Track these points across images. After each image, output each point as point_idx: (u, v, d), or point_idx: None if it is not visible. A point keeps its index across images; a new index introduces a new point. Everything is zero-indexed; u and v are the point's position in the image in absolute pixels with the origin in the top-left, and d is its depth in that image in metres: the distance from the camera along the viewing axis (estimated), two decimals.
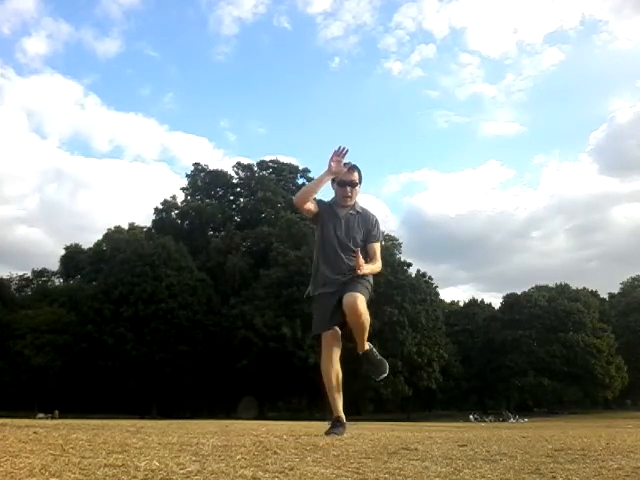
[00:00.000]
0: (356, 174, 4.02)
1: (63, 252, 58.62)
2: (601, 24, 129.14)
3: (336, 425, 3.82)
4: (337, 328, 3.92)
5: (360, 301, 3.73)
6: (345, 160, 3.96)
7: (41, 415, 30.42)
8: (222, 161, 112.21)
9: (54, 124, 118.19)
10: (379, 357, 4.12)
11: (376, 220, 4.11)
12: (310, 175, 57.69)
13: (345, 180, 3.98)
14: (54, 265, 60.34)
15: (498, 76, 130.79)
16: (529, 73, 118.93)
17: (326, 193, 4.17)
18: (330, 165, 3.89)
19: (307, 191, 4.09)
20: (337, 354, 3.92)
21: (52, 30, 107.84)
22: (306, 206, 4.00)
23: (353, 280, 3.87)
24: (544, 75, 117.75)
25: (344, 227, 3.99)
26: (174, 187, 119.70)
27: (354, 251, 3.89)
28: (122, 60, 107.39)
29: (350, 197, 4.00)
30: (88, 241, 76.84)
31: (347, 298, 3.75)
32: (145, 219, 78.95)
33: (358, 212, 4.06)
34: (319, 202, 4.05)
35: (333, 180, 4.01)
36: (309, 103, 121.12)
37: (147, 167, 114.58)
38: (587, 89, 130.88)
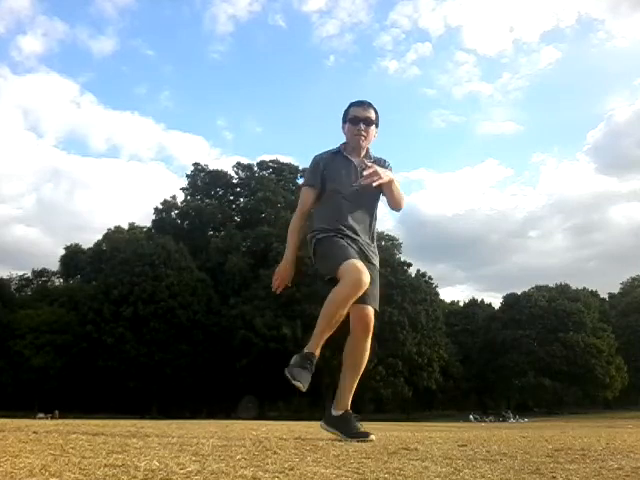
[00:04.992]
0: (372, 112, 3.32)
1: (61, 251, 58.89)
2: (597, 23, 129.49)
3: (304, 363, 2.93)
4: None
5: (372, 321, 3.19)
6: None
7: (41, 415, 30.42)
8: (219, 160, 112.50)
9: (50, 123, 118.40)
10: (357, 426, 3.14)
11: (390, 166, 3.38)
12: None
13: (359, 116, 3.28)
14: (51, 264, 60.58)
15: (495, 75, 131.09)
16: (526, 72, 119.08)
17: (330, 142, 3.51)
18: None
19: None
20: (356, 298, 2.99)
21: (47, 28, 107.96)
22: (308, 211, 3.36)
23: (372, 270, 3.13)
24: (541, 74, 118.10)
25: (359, 174, 3.22)
26: (171, 186, 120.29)
27: (367, 204, 3.26)
28: (117, 58, 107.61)
29: (364, 137, 3.29)
30: (85, 240, 77.04)
31: (364, 309, 3.14)
32: (143, 218, 79.15)
33: (373, 160, 3.34)
34: (315, 163, 3.34)
35: (345, 120, 3.35)
36: (305, 101, 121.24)
37: (144, 166, 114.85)
38: (584, 88, 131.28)
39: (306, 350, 2.99)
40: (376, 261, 3.31)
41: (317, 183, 3.30)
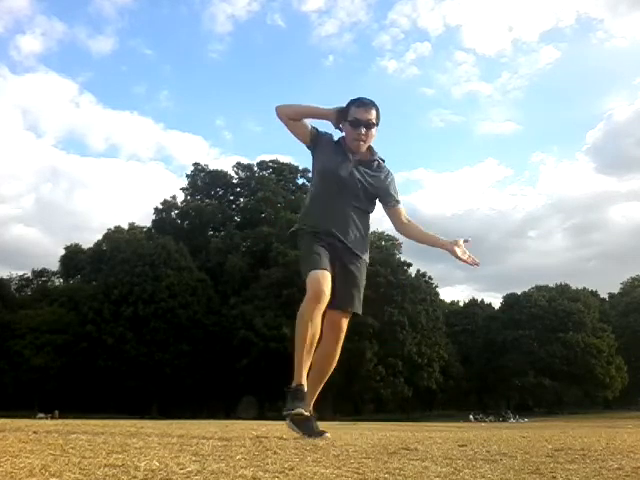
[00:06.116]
0: (374, 112, 3.08)
1: (61, 251, 58.83)
2: (596, 22, 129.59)
3: (297, 397, 2.92)
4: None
5: (344, 326, 3.10)
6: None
7: (41, 415, 30.41)
8: (219, 160, 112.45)
9: (49, 122, 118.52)
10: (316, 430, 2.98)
11: (393, 176, 3.23)
12: (310, 175, 57.77)
13: (360, 119, 3.04)
14: (51, 264, 60.58)
15: (494, 74, 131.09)
16: (525, 71, 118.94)
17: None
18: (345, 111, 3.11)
19: (298, 106, 3.19)
20: (323, 308, 2.94)
21: (46, 28, 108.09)
22: (290, 119, 3.15)
23: (353, 271, 3.08)
24: (540, 73, 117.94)
25: (350, 168, 3.08)
26: (171, 186, 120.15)
27: (359, 202, 3.09)
28: (116, 58, 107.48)
29: (364, 141, 3.08)
30: (85, 240, 76.98)
31: (335, 315, 3.07)
32: (142, 218, 79.01)
33: (374, 160, 3.18)
34: (318, 130, 3.20)
35: (344, 119, 3.12)
36: (304, 101, 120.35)
37: (143, 166, 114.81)
38: (583, 87, 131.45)
39: (293, 384, 2.95)
40: (362, 254, 3.14)
41: (316, 129, 3.19)
